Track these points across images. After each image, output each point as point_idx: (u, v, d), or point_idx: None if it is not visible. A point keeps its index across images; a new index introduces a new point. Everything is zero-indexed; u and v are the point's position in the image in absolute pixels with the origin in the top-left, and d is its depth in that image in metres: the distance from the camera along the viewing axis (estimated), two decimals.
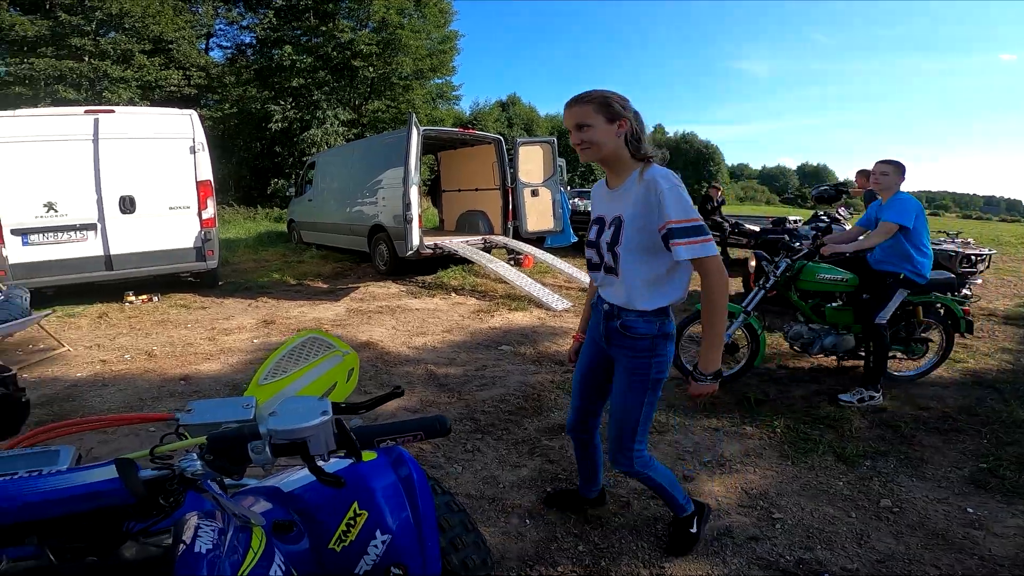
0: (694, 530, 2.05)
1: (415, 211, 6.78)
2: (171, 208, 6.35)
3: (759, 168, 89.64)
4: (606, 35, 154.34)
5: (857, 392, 3.44)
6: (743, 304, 3.63)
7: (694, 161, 55.08)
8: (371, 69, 21.35)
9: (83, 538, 0.67)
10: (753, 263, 4.10)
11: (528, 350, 4.59)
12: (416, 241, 6.84)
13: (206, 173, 6.52)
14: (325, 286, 7.48)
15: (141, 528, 0.72)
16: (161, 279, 6.77)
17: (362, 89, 22.34)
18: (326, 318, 5.72)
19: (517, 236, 8.31)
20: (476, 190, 9.20)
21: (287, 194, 13.30)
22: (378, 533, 1.03)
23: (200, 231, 6.52)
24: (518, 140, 8.40)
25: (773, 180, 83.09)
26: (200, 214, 6.50)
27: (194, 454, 0.69)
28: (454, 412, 3.33)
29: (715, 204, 9.81)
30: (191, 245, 6.49)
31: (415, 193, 6.78)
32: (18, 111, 5.98)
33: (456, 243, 7.52)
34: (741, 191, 68.01)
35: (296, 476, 1.11)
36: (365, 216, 8.26)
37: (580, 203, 10.59)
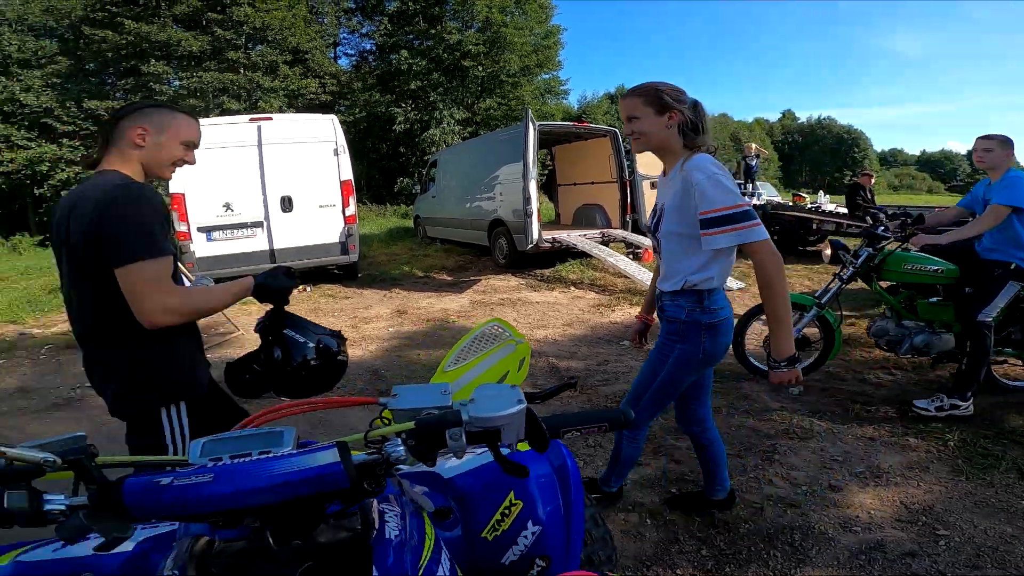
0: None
1: (534, 205, 6.88)
2: (320, 206, 7.05)
3: (916, 153, 78.31)
4: (722, 19, 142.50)
5: (937, 399, 2.98)
6: (816, 295, 3.44)
7: (833, 148, 49.29)
8: (480, 68, 21.90)
9: (290, 520, 0.71)
10: (828, 252, 3.76)
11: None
12: (536, 235, 6.95)
13: (347, 173, 7.14)
14: (450, 278, 7.88)
15: (335, 511, 0.76)
16: (312, 271, 7.57)
17: (473, 88, 22.98)
18: (452, 309, 6.04)
19: (636, 230, 8.08)
20: (592, 183, 9.10)
21: (412, 192, 14.11)
22: (530, 524, 1.03)
23: (344, 227, 7.18)
24: None
25: (936, 166, 71.90)
26: (344, 211, 7.15)
27: (399, 439, 0.71)
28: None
29: (866, 194, 8.71)
30: (337, 240, 7.17)
31: (534, 187, 6.87)
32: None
33: (574, 237, 7.50)
34: (895, 179, 59.99)
35: (454, 462, 1.14)
36: (484, 211, 8.52)
37: None
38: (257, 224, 6.81)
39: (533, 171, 6.85)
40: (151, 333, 1.29)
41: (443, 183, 10.38)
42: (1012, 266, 2.91)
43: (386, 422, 0.84)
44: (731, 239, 1.55)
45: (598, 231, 8.13)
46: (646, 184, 7.93)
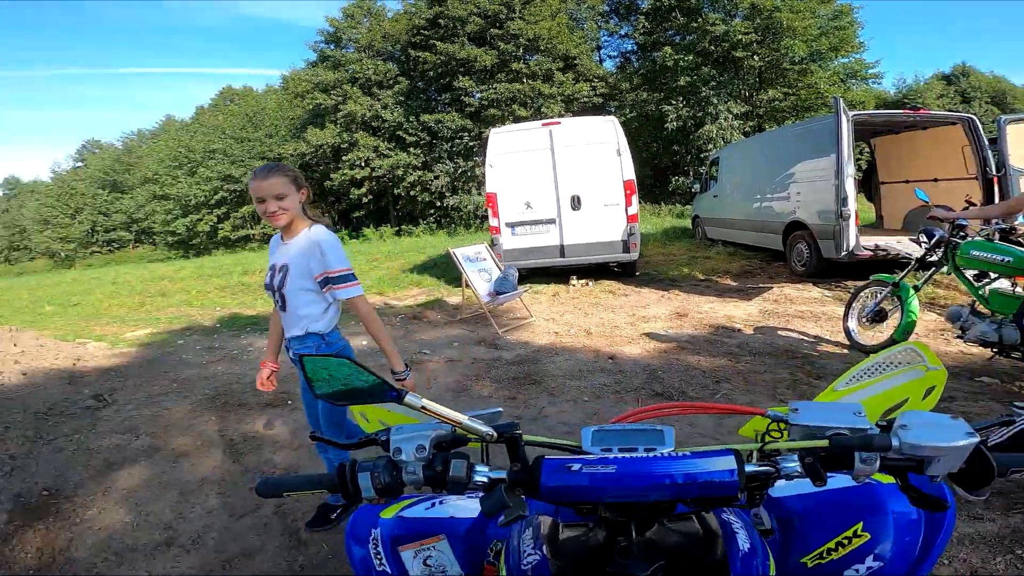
0: (335, 516, 2.35)
1: (852, 207, 5.79)
2: (605, 205, 7.33)
3: None
4: None
5: None
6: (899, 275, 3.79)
7: None
8: (755, 58, 19.61)
9: (649, 517, 0.72)
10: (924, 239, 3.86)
11: None
12: (853, 241, 5.84)
13: (629, 173, 7.25)
14: (734, 283, 7.27)
15: (674, 513, 0.75)
16: (594, 267, 7.96)
17: (750, 80, 20.69)
18: (737, 316, 5.55)
19: (1006, 238, 6.01)
20: (936, 181, 7.22)
21: (690, 191, 13.54)
22: (869, 559, 0.92)
23: (626, 225, 7.33)
24: (1003, 118, 6.35)
25: None
26: (626, 210, 7.30)
27: (795, 455, 0.68)
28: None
29: None
30: (619, 238, 7.37)
31: (851, 186, 5.79)
32: (502, 128, 7.87)
33: (908, 244, 6.01)
34: None
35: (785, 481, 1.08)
36: (778, 212, 7.63)
37: None
38: (550, 221, 7.46)
39: (849, 167, 5.80)
40: None
41: (726, 181, 9.71)
42: None
43: (772, 437, 0.82)
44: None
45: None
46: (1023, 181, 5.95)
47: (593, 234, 7.35)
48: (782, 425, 0.83)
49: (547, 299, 6.98)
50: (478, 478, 0.71)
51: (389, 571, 1.01)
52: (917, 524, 0.91)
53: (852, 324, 4.42)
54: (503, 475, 0.71)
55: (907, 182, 7.93)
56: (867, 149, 9.44)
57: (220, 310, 8.09)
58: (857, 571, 0.91)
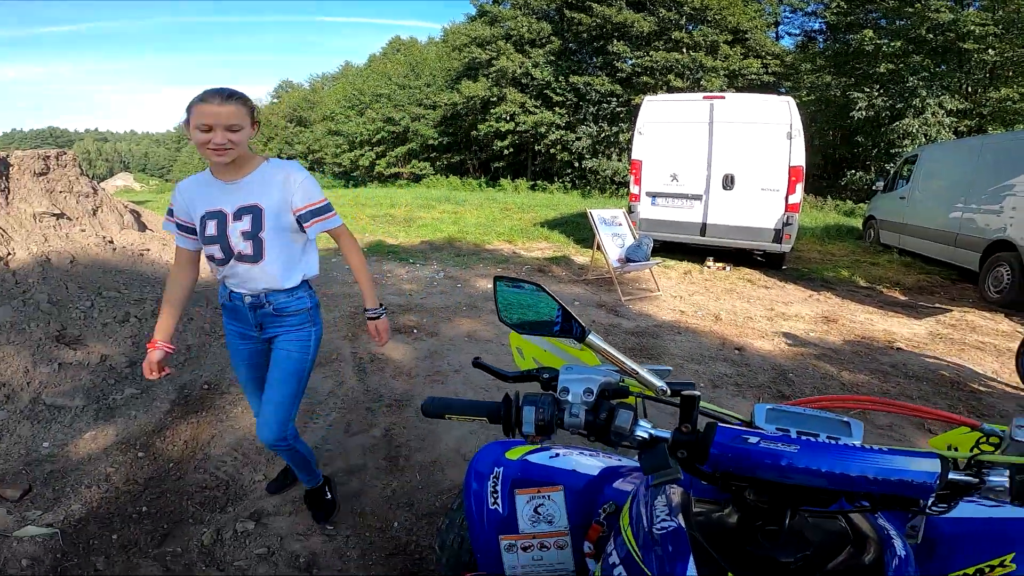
0: (329, 496, 2.16)
1: None
2: (762, 189, 6.72)
3: None
4: None
5: None
6: None
7: None
8: (990, 52, 15.87)
9: (802, 506, 0.68)
10: None
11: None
12: None
13: (799, 159, 6.54)
14: (903, 298, 6.30)
15: (819, 510, 0.71)
16: (735, 251, 7.41)
17: (978, 75, 16.97)
18: (901, 335, 4.82)
19: None
20: None
21: (871, 187, 11.89)
22: None
23: (784, 214, 6.67)
24: None
25: None
26: (787, 198, 6.62)
27: (1006, 471, 0.63)
28: None
29: None
30: (772, 226, 6.74)
31: None
32: (658, 96, 7.53)
33: None
34: None
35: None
36: (982, 227, 6.47)
37: None
38: (696, 197, 7.05)
39: None
40: None
41: (921, 184, 8.36)
42: None
43: (982, 450, 0.76)
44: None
45: None
46: None
47: (742, 217, 6.85)
48: (995, 440, 0.78)
49: (678, 276, 6.64)
50: (640, 432, 0.69)
51: (501, 511, 1.05)
52: None
53: None
54: (667, 435, 0.69)
55: None
56: None
57: (368, 236, 8.88)
58: None
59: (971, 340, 4.75)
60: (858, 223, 11.81)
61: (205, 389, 3.09)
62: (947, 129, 16.66)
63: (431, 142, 25.20)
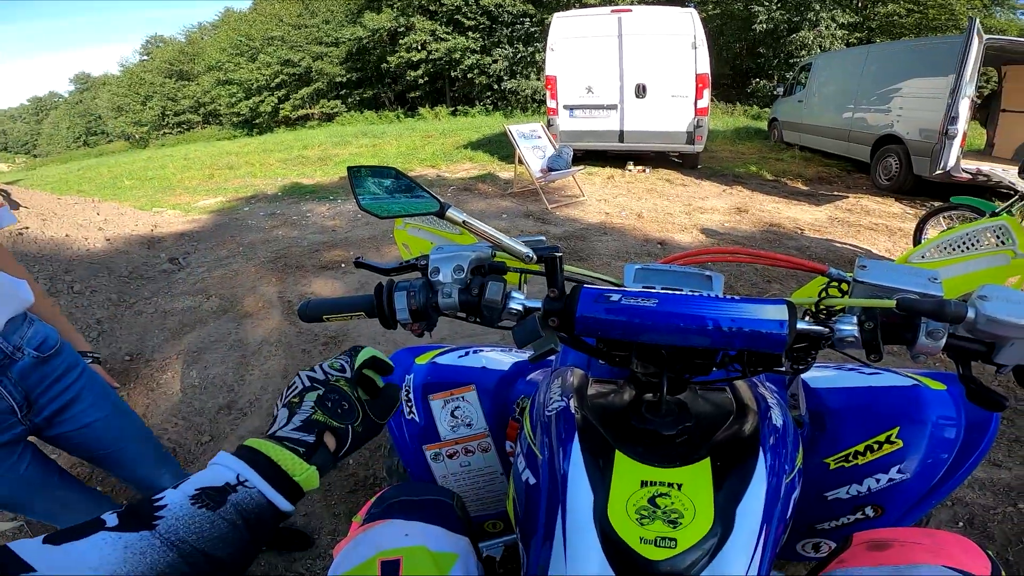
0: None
1: (961, 127, 5.51)
2: (673, 96, 6.96)
3: None
4: None
5: None
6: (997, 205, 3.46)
7: None
8: None
9: (681, 373, 0.67)
10: None
11: None
12: (953, 161, 5.55)
13: (704, 67, 6.79)
14: (805, 188, 6.79)
15: (704, 380, 0.70)
16: (653, 155, 7.69)
17: None
18: (803, 220, 5.22)
19: None
20: None
21: (774, 93, 12.65)
22: (894, 470, 0.85)
23: (694, 118, 6.97)
24: None
25: None
26: (696, 103, 6.90)
27: (853, 317, 0.61)
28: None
29: None
30: (684, 129, 7.03)
31: (965, 107, 5.49)
32: (567, 12, 7.47)
33: (1013, 174, 5.48)
34: None
35: (827, 373, 0.99)
36: (872, 124, 7.17)
37: None
38: (612, 107, 7.20)
39: (968, 88, 5.45)
40: None
41: (816, 89, 9.05)
42: None
43: (832, 296, 0.73)
44: None
45: None
46: None
47: (656, 123, 7.09)
48: (845, 287, 0.75)
49: (601, 181, 6.79)
50: (513, 305, 0.66)
51: (418, 420, 1.00)
52: (951, 444, 0.85)
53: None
54: (539, 304, 0.66)
55: None
56: (995, 78, 8.50)
57: (282, 180, 8.35)
58: (877, 481, 0.87)
59: (866, 222, 5.22)
60: (764, 125, 12.52)
61: (127, 360, 2.89)
62: (839, 41, 17.75)
63: (338, 79, 23.58)
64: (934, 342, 0.56)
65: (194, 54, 32.63)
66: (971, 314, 0.54)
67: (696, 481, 0.57)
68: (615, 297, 0.60)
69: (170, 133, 32.53)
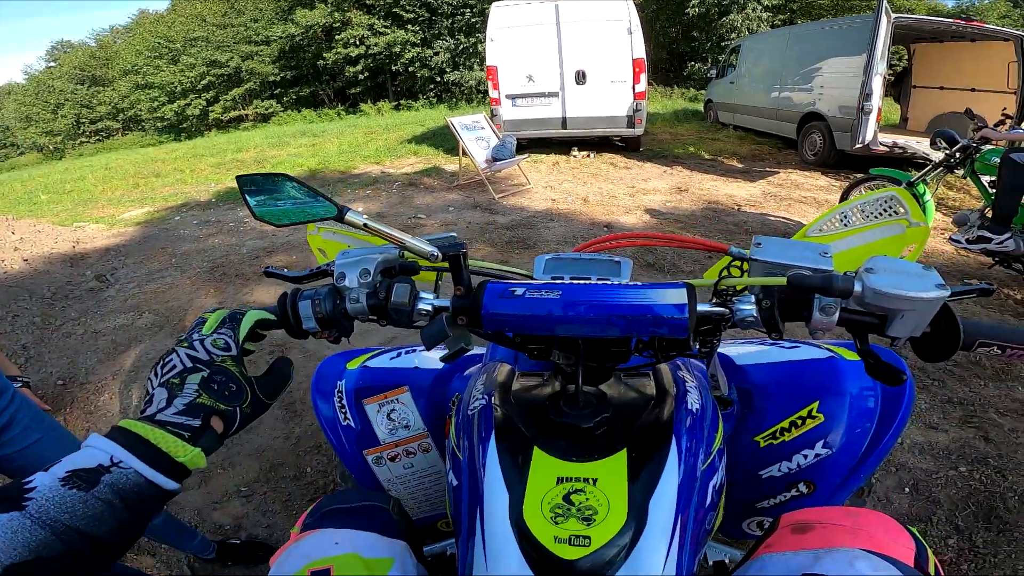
0: (238, 541, 1.72)
1: (875, 103, 5.83)
2: (612, 81, 7.12)
3: None
4: None
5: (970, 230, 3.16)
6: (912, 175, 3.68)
7: None
8: None
9: (598, 363, 0.66)
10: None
11: None
12: (870, 135, 5.86)
13: (640, 52, 7.00)
14: (740, 165, 7.08)
15: (628, 367, 0.69)
16: (596, 140, 7.80)
17: None
18: (739, 196, 5.45)
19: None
20: (973, 91, 7.20)
21: (706, 76, 13.06)
22: (819, 445, 0.86)
23: (633, 102, 7.14)
24: None
25: None
26: (634, 88, 7.08)
27: (752, 296, 0.59)
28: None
29: None
30: (624, 114, 7.18)
31: (878, 84, 5.81)
32: (504, 2, 7.48)
33: (926, 146, 5.90)
34: None
35: (751, 349, 0.99)
36: (796, 103, 7.56)
37: None
38: (553, 94, 7.27)
39: (880, 66, 5.75)
40: None
41: (745, 70, 9.41)
42: None
43: (731, 274, 0.73)
44: None
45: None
46: None
47: (597, 108, 7.21)
48: (745, 265, 0.74)
49: (547, 168, 6.85)
50: (422, 306, 0.64)
51: (354, 425, 0.98)
52: (871, 414, 0.86)
53: None
54: (447, 303, 0.64)
55: (941, 88, 7.80)
56: (906, 56, 9.09)
57: (216, 185, 7.95)
58: (805, 457, 0.87)
59: (796, 196, 5.51)
60: (700, 107, 12.86)
61: (60, 385, 2.72)
62: (765, 23, 18.60)
63: (272, 79, 22.64)
64: (827, 317, 0.56)
65: (107, 58, 30.62)
66: (858, 287, 0.53)
67: (611, 475, 0.56)
68: (520, 291, 0.59)
69: (87, 142, 30.37)
